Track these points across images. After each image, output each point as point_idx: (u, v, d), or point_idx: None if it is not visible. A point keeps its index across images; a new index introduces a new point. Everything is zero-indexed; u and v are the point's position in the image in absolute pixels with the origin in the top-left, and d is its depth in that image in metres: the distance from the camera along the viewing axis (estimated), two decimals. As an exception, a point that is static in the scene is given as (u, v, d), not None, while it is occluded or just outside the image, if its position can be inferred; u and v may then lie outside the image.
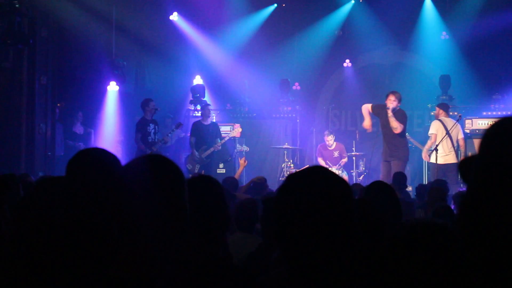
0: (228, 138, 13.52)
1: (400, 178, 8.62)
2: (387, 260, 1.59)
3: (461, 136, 12.18)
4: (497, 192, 1.19)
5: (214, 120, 13.95)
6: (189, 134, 13.47)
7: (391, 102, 11.45)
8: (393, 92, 11.70)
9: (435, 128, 12.14)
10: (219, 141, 13.23)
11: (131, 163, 2.23)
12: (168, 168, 2.19)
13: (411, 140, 13.13)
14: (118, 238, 2.11)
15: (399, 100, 11.58)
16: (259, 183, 8.41)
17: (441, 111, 12.37)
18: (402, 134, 11.50)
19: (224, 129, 14.10)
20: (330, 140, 14.04)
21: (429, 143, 12.15)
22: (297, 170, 2.11)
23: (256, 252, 4.31)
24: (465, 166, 1.33)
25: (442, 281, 1.51)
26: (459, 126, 12.20)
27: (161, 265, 2.12)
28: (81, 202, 2.49)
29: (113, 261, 2.07)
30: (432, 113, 13.69)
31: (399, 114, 11.50)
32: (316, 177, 1.99)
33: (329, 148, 14.10)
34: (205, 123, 13.21)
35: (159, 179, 2.13)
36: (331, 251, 1.94)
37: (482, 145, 1.25)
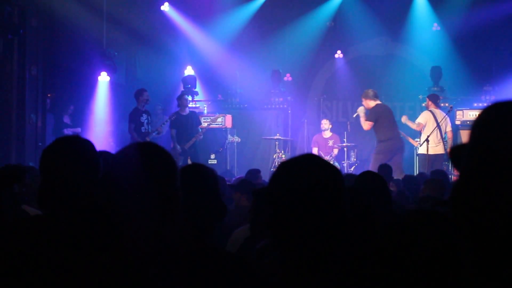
0: (207, 126, 13.45)
1: (384, 170, 8.75)
2: (384, 248, 1.59)
3: (449, 128, 12.41)
4: (489, 178, 1.20)
5: (194, 109, 13.92)
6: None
7: (364, 105, 12.08)
8: (362, 95, 12.21)
9: (424, 118, 12.28)
10: (200, 130, 13.17)
11: (122, 151, 2.22)
12: (160, 156, 2.19)
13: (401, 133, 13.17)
14: (110, 227, 2.10)
15: (369, 97, 11.84)
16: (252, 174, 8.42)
17: (430, 102, 12.49)
18: (374, 130, 11.80)
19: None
20: (325, 124, 14.17)
21: (414, 127, 12.37)
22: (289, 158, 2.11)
23: (247, 242, 4.31)
24: (457, 153, 1.34)
25: (443, 271, 1.51)
26: (447, 118, 12.32)
27: (154, 252, 2.12)
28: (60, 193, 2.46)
29: (105, 249, 2.07)
30: (423, 104, 13.74)
31: (369, 112, 11.96)
32: (308, 165, 1.99)
33: (324, 136, 14.20)
34: (184, 113, 13.10)
35: (151, 167, 2.12)
36: (324, 238, 1.95)
37: (473, 130, 1.25)
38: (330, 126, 14.44)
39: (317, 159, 2.04)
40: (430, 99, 12.56)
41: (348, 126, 14.71)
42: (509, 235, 1.15)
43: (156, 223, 2.11)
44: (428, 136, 11.71)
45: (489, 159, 1.18)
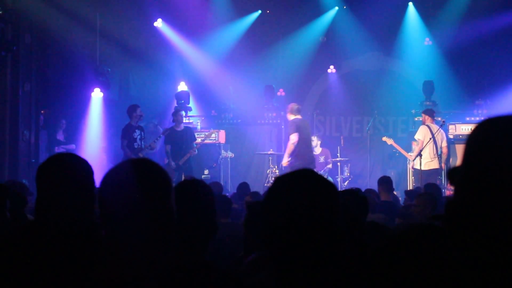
0: (201, 141, 13.48)
1: (385, 181, 8.75)
2: (378, 262, 1.60)
3: (445, 144, 12.49)
4: (483, 193, 1.21)
5: (188, 124, 13.93)
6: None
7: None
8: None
9: (422, 134, 12.33)
10: (194, 145, 13.18)
11: (115, 167, 2.22)
12: (155, 172, 2.19)
13: (396, 146, 13.21)
14: (105, 242, 2.11)
15: (290, 111, 11.91)
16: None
17: (427, 117, 12.58)
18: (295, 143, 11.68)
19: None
20: (313, 141, 14.18)
21: (417, 148, 12.35)
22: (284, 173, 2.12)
23: (242, 257, 4.31)
24: (455, 171, 1.35)
25: (439, 285, 1.52)
26: (443, 132, 12.41)
27: (148, 268, 2.12)
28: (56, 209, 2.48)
29: (100, 264, 2.07)
30: (416, 119, 13.84)
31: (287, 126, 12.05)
32: (304, 180, 2.00)
33: (314, 153, 14.18)
34: (178, 129, 13.11)
35: (145, 183, 2.13)
36: (318, 253, 1.95)
37: (466, 146, 1.27)
38: (319, 142, 14.42)
39: (314, 174, 2.05)
40: (426, 114, 12.66)
41: (342, 141, 14.75)
42: (503, 250, 1.17)
43: (150, 239, 2.11)
44: (421, 151, 11.77)
45: (483, 175, 1.19)
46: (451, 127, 13.67)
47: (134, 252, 2.08)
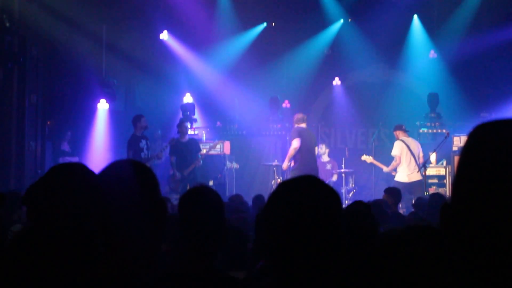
0: (206, 152, 13.51)
1: (393, 192, 8.84)
2: (376, 264, 1.62)
3: (421, 154, 12.68)
4: (478, 196, 1.23)
5: (193, 136, 13.96)
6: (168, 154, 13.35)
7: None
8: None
9: (398, 149, 12.47)
10: (199, 156, 13.20)
11: (111, 165, 2.27)
12: (145, 168, 2.25)
13: (374, 162, 13.23)
14: (105, 241, 2.12)
15: (295, 121, 12.07)
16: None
17: (398, 132, 12.82)
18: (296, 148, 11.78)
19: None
20: (321, 148, 14.25)
21: (394, 164, 12.56)
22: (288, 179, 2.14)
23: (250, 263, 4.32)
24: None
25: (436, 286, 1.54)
26: (418, 143, 12.62)
27: (148, 265, 2.14)
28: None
29: (101, 264, 2.09)
30: (421, 131, 13.89)
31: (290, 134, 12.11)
32: (307, 186, 2.01)
33: (322, 160, 14.24)
34: (183, 140, 13.14)
35: (140, 177, 2.17)
36: (320, 259, 1.95)
37: (462, 151, 1.29)
38: (327, 150, 14.53)
39: (317, 180, 2.06)
40: (396, 130, 12.96)
41: (346, 153, 14.75)
42: (498, 252, 1.19)
43: (149, 233, 2.14)
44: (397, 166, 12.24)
45: (478, 177, 1.21)
46: (455, 139, 13.66)
47: (134, 247, 2.09)
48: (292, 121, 12.49)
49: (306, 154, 11.77)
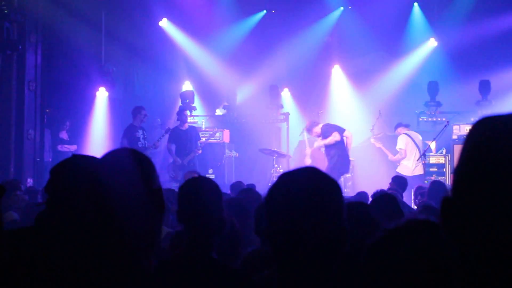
0: (205, 141, 13.51)
1: (399, 181, 8.95)
2: (374, 256, 1.61)
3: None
4: (479, 191, 1.22)
5: (193, 124, 13.96)
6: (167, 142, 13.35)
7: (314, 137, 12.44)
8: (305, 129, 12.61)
9: (403, 142, 12.46)
10: (199, 145, 13.20)
11: (110, 153, 2.27)
12: (143, 155, 2.26)
13: (382, 147, 13.23)
14: (111, 229, 2.13)
15: (308, 129, 12.35)
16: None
17: (399, 128, 12.76)
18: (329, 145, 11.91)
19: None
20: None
21: (398, 156, 12.53)
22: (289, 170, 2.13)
23: (251, 253, 4.32)
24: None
25: (435, 280, 1.53)
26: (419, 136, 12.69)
27: (150, 249, 2.15)
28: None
29: (107, 251, 2.10)
30: (421, 119, 13.89)
31: (322, 132, 12.10)
32: (308, 176, 2.01)
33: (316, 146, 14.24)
34: (183, 128, 13.14)
35: (139, 164, 2.18)
36: (322, 251, 1.95)
37: (463, 145, 1.28)
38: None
39: (317, 171, 2.06)
40: (398, 127, 12.97)
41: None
42: (498, 246, 1.18)
43: (149, 218, 2.15)
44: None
45: (478, 172, 1.20)
46: (455, 127, 13.65)
47: (138, 232, 2.11)
48: (309, 128, 12.48)
49: (346, 151, 12.01)
